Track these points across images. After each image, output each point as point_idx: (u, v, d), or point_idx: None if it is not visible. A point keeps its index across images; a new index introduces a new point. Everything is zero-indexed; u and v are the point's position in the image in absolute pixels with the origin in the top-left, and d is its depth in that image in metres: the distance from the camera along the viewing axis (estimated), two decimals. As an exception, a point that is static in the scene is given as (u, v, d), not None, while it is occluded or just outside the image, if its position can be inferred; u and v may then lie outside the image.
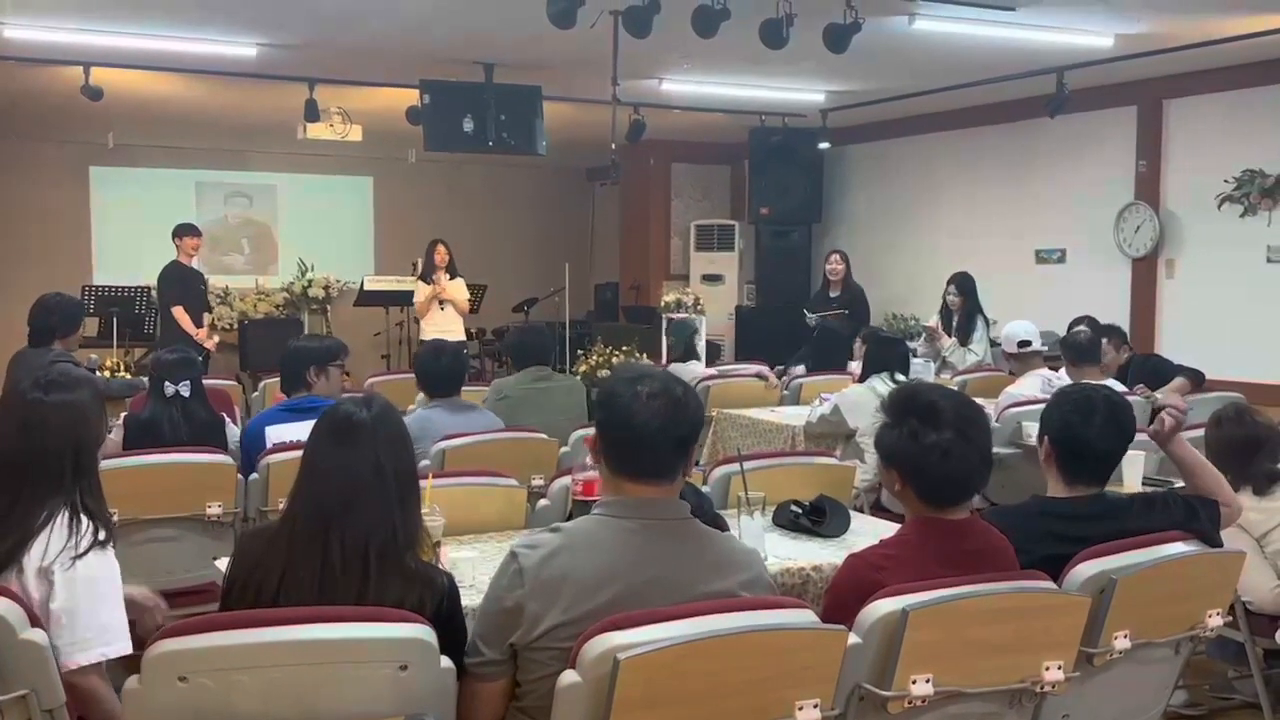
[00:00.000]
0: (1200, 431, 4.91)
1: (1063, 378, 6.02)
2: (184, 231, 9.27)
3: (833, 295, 9.62)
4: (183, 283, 9.15)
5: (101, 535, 2.56)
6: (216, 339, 9.53)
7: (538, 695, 2.25)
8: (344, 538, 2.31)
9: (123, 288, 10.63)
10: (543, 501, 3.69)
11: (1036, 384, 5.97)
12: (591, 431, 2.53)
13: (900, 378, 5.70)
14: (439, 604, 2.34)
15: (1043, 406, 3.22)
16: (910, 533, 2.68)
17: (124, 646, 2.54)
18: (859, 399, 5.72)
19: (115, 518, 3.83)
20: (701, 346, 7.79)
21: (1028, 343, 6.28)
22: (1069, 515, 2.93)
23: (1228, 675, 4.45)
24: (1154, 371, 6.51)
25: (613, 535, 2.32)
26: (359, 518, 2.32)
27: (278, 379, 6.41)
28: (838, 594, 2.63)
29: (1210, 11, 7.17)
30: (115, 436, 4.67)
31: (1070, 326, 7.11)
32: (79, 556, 2.50)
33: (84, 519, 2.55)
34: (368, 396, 2.57)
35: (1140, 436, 4.27)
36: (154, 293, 10.87)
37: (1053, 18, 7.31)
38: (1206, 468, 3.21)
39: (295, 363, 4.70)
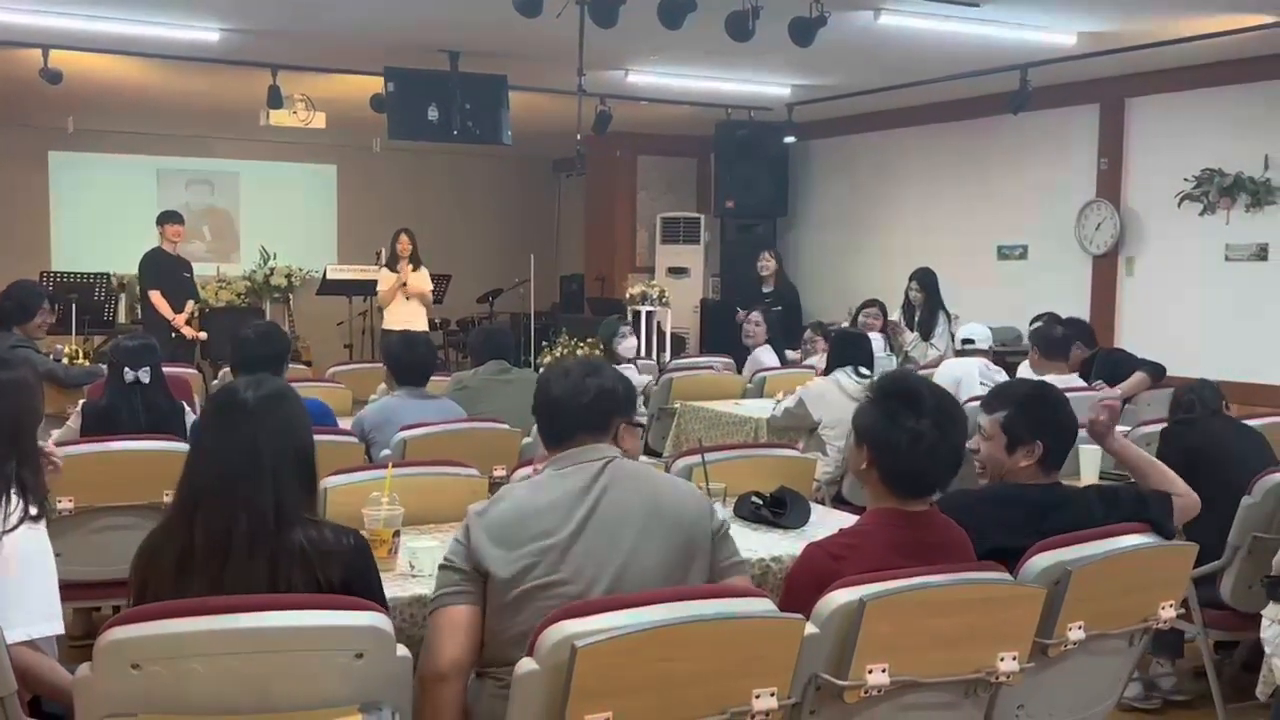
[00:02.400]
0: (1158, 427, 4.97)
1: (994, 370, 6.39)
2: (166, 219, 9.39)
3: (765, 291, 9.70)
4: (161, 269, 9.17)
5: (33, 511, 2.50)
6: (203, 336, 9.53)
7: (500, 656, 2.39)
8: (207, 522, 2.27)
9: (82, 274, 10.51)
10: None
11: (976, 367, 6.26)
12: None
13: (864, 372, 5.77)
14: (349, 564, 2.31)
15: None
16: (870, 523, 2.70)
17: (48, 628, 2.46)
18: (823, 391, 5.76)
19: (71, 505, 3.85)
20: (628, 345, 7.69)
21: (970, 340, 6.69)
22: (1026, 500, 2.97)
23: (1147, 672, 4.37)
24: (1116, 366, 6.58)
25: (553, 479, 2.57)
26: (226, 501, 2.27)
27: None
28: (795, 582, 2.65)
29: (1172, 11, 7.24)
30: (73, 423, 4.62)
31: (1031, 322, 7.20)
32: (6, 532, 2.44)
33: (14, 496, 2.50)
34: (260, 377, 2.52)
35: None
36: (114, 279, 10.80)
37: (1016, 15, 7.36)
38: (1154, 464, 3.27)
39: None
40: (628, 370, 7.54)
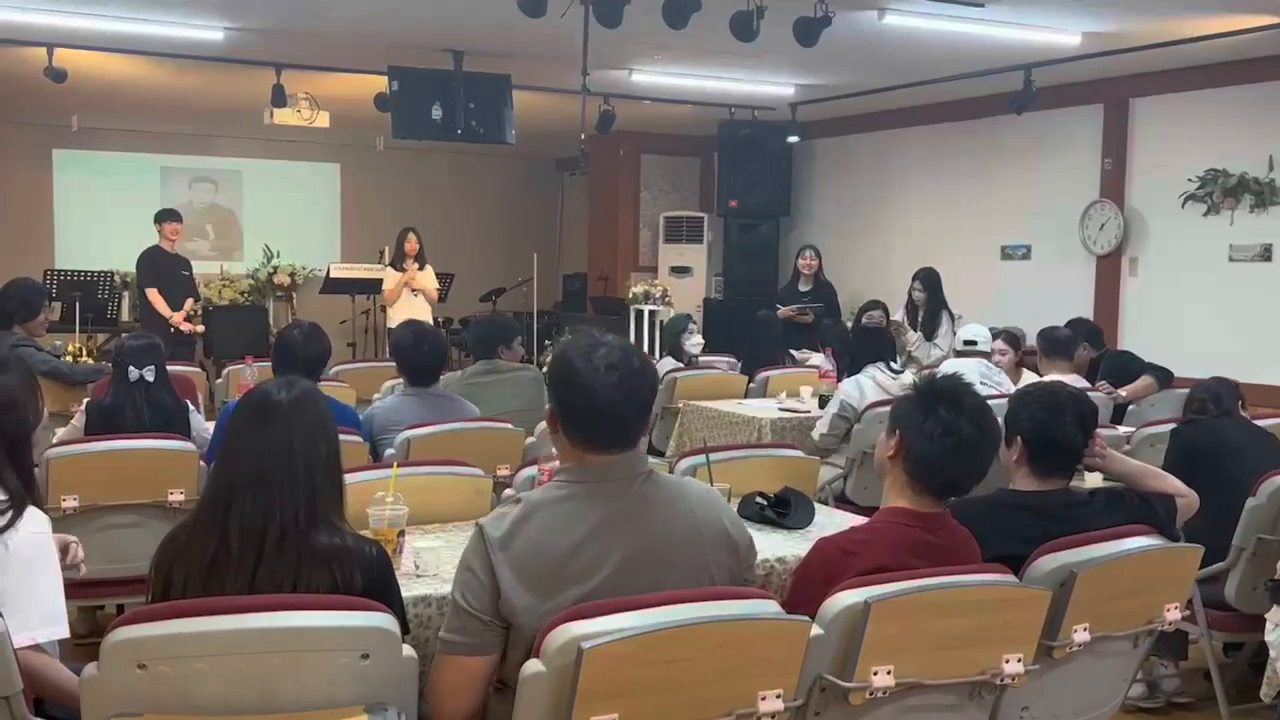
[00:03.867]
0: (1161, 429, 4.98)
1: (995, 371, 6.33)
2: (164, 217, 9.41)
3: (803, 289, 9.66)
4: (158, 267, 9.18)
5: (36, 525, 2.49)
6: (200, 329, 9.51)
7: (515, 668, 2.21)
8: (242, 519, 2.30)
9: (85, 272, 10.52)
10: (508, 491, 3.69)
11: (976, 368, 6.14)
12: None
13: (895, 366, 5.80)
14: (369, 573, 2.33)
15: (1006, 401, 3.29)
16: (882, 520, 2.71)
17: (53, 631, 2.46)
18: (861, 386, 5.72)
19: (76, 503, 3.86)
20: (695, 342, 7.65)
21: (973, 342, 6.64)
22: (1036, 507, 2.98)
23: (1151, 673, 4.36)
24: (1122, 368, 6.58)
25: (579, 500, 2.30)
26: (260, 499, 2.31)
27: (242, 367, 6.40)
28: (806, 576, 2.66)
29: (1177, 11, 7.23)
30: (78, 422, 4.63)
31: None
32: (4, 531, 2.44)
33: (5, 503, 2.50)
34: (291, 379, 2.54)
35: (1103, 432, 4.32)
36: (117, 277, 10.81)
37: (1021, 15, 7.36)
38: (1149, 471, 3.31)
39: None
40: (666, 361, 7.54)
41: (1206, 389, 4.60)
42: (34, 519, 2.50)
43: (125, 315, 11.13)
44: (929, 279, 8.78)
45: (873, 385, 5.72)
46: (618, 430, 2.31)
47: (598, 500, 2.30)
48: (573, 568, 2.24)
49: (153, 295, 9.10)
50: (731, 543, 2.43)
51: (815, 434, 5.80)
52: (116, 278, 10.78)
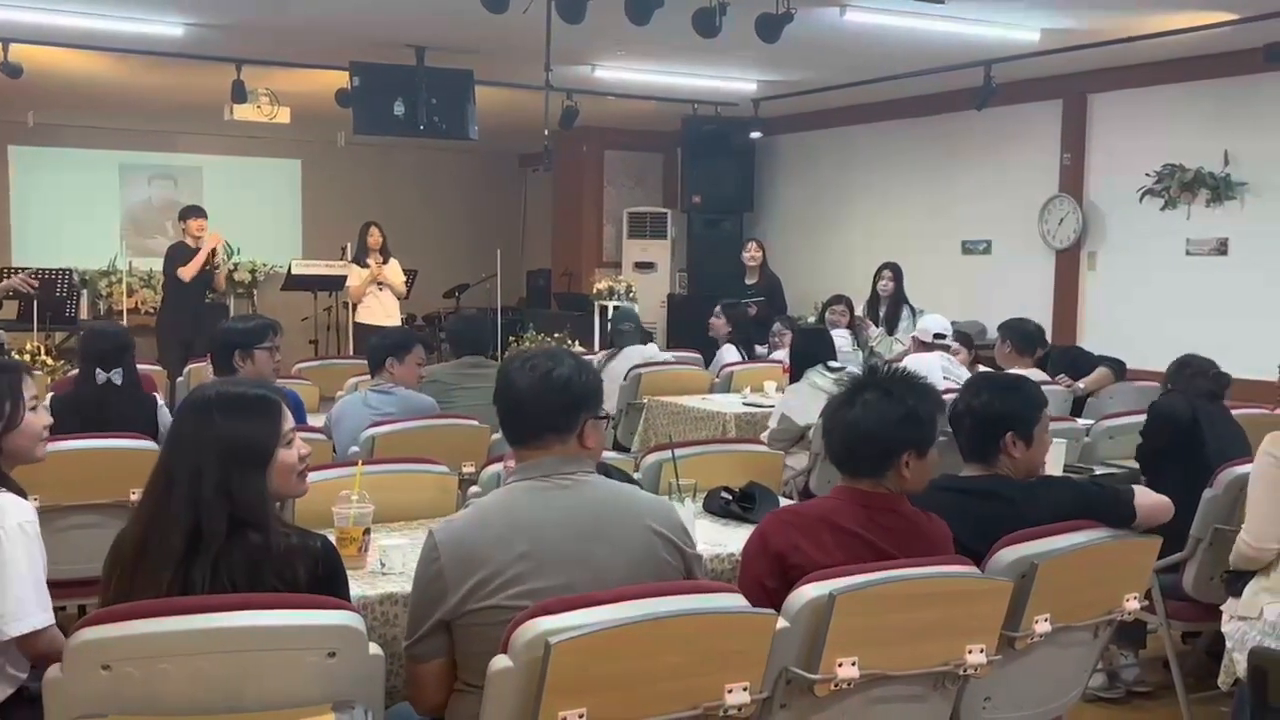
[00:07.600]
0: (1121, 420, 5.05)
1: (956, 365, 6.33)
2: (188, 214, 9.27)
3: (748, 282, 9.66)
4: (178, 262, 9.05)
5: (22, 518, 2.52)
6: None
7: (477, 672, 2.23)
8: (164, 520, 2.24)
9: (43, 270, 10.39)
10: (474, 489, 3.68)
11: (938, 363, 6.14)
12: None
13: (835, 365, 5.74)
14: (314, 569, 2.26)
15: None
16: (830, 496, 2.79)
17: (42, 619, 2.49)
18: (800, 396, 5.65)
19: (37, 503, 3.81)
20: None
21: (943, 335, 6.56)
22: (969, 490, 3.02)
23: (1111, 663, 4.40)
24: (1073, 362, 6.65)
25: (519, 496, 2.46)
26: (177, 498, 2.24)
27: (204, 364, 6.36)
28: (746, 549, 2.76)
29: (1134, 8, 7.31)
30: (40, 420, 4.57)
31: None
32: None
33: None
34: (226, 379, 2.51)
35: (1061, 425, 4.37)
36: (76, 275, 10.69)
37: (980, 11, 7.42)
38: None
39: (222, 347, 4.62)
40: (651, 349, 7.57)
41: (1205, 361, 4.63)
42: (20, 508, 2.53)
43: (84, 313, 10.99)
44: (899, 271, 8.82)
45: (810, 390, 5.55)
46: (526, 424, 2.51)
47: (540, 496, 2.44)
48: (513, 550, 2.35)
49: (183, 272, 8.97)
50: (677, 544, 2.52)
51: (764, 436, 5.80)
52: (75, 275, 10.65)
